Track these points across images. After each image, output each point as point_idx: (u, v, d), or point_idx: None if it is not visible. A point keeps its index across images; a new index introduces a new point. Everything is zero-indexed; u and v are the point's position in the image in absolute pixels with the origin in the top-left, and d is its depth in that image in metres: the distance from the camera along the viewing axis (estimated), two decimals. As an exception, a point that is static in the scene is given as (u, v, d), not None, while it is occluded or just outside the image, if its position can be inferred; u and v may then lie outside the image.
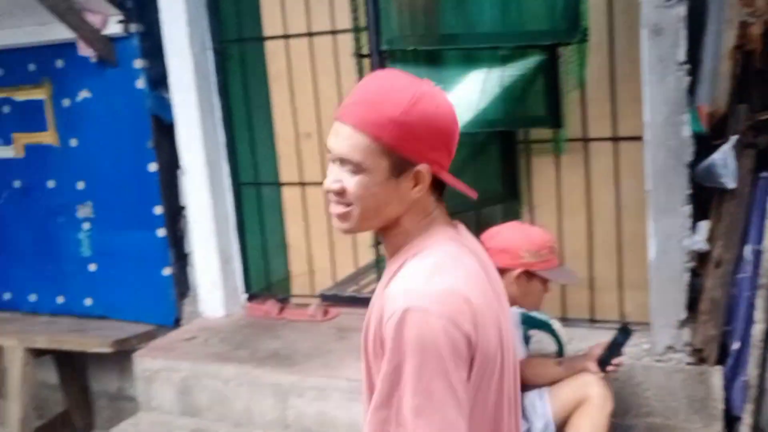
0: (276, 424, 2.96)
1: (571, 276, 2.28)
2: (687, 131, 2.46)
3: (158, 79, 3.55)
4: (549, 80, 2.54)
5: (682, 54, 2.41)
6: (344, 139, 1.11)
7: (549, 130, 2.76)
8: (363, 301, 2.98)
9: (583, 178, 2.81)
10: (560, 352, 2.59)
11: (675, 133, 2.47)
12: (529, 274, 2.19)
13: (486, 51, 2.66)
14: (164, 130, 3.63)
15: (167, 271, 3.78)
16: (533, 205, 2.90)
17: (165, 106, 3.56)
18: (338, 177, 1.13)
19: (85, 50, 3.54)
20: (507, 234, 2.21)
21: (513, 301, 2.24)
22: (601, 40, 2.67)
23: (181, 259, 3.80)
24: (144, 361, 3.43)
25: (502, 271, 2.19)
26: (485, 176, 2.86)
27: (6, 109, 3.94)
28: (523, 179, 2.86)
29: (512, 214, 2.90)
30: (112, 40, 3.51)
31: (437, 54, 2.71)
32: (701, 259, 2.62)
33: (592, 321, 2.91)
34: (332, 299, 3.45)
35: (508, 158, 2.84)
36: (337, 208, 1.15)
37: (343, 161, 1.12)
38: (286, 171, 3.63)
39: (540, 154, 2.84)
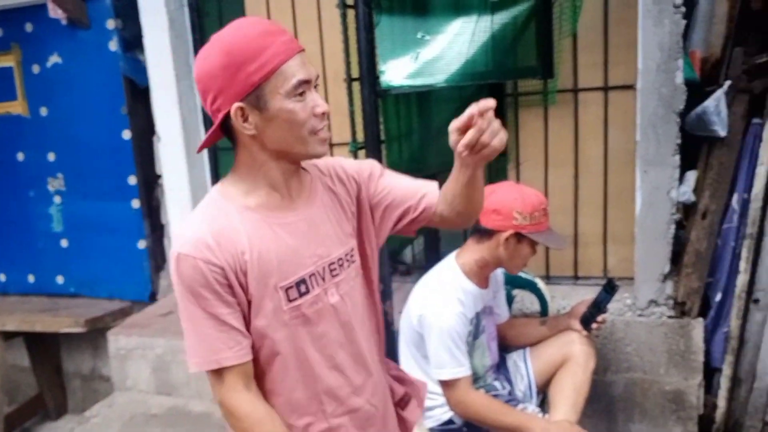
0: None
1: (560, 240, 2.22)
2: (680, 78, 2.41)
3: (132, 41, 3.45)
4: (541, 27, 2.46)
5: (681, -5, 2.36)
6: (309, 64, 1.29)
7: (538, 82, 2.70)
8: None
9: (572, 130, 2.75)
10: (544, 312, 2.56)
11: (668, 80, 2.42)
12: (518, 237, 2.12)
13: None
14: (139, 95, 3.53)
15: (142, 244, 3.69)
16: (520, 159, 2.83)
17: (139, 68, 3.46)
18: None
19: (55, 12, 3.42)
20: (501, 194, 2.14)
21: (498, 263, 2.18)
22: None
23: (157, 231, 3.70)
24: (118, 340, 3.34)
25: (491, 233, 2.13)
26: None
27: (-27, 79, 3.80)
28: (510, 133, 2.78)
29: (498, 170, 2.84)
30: (84, 0, 3.39)
31: (424, 1, 2.63)
32: (687, 210, 2.58)
33: (576, 278, 2.87)
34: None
35: (496, 112, 2.75)
36: (327, 132, 1.32)
37: (315, 85, 1.29)
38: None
39: (528, 106, 2.77)
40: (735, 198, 2.48)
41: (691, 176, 2.58)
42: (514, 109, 2.79)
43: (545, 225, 2.16)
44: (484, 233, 2.16)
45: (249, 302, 1.29)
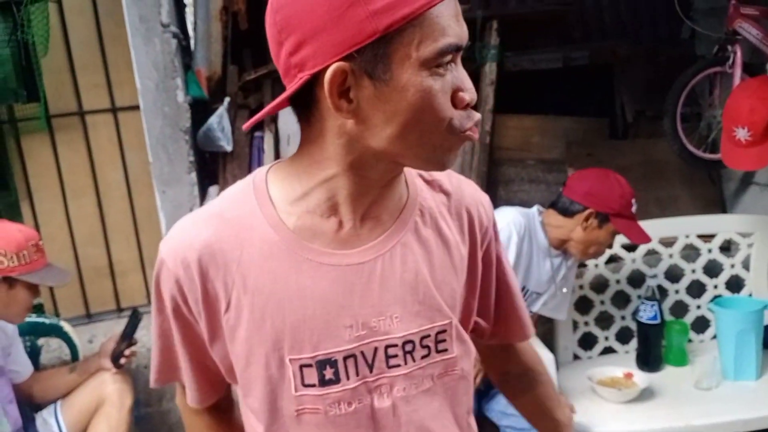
0: None
1: (60, 276, 2.05)
2: (181, 96, 2.45)
3: None
4: (14, 46, 2.25)
5: (166, 14, 2.38)
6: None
7: (38, 106, 2.47)
8: None
9: (86, 155, 2.58)
10: (75, 356, 2.36)
11: (169, 99, 2.44)
12: (9, 281, 1.89)
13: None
14: None
15: None
16: (32, 191, 2.56)
17: None
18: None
19: None
20: None
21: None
22: (84, 1, 2.48)
23: None
24: None
25: None
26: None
27: None
28: (15, 165, 2.50)
29: (8, 206, 2.52)
30: None
31: None
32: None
33: (120, 310, 2.72)
34: None
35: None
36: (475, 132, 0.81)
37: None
38: None
39: (30, 133, 2.51)
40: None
41: (213, 191, 2.66)
42: (14, 136, 2.50)
43: (42, 262, 1.96)
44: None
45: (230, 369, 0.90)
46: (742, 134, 2.41)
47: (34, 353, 2.35)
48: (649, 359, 2.48)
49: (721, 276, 2.72)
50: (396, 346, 0.84)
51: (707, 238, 2.71)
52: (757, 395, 2.28)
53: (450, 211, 0.91)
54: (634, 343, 2.60)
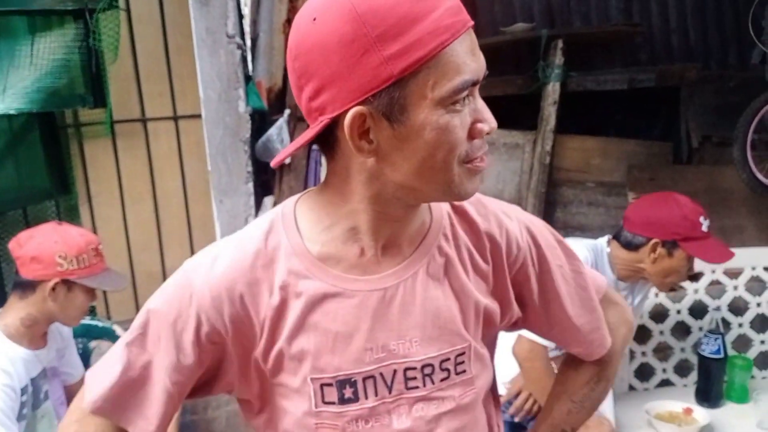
0: None
1: (118, 281, 2.09)
2: (243, 107, 2.51)
3: None
4: (84, 53, 2.34)
5: (231, 26, 2.45)
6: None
7: (102, 112, 2.56)
8: None
9: (146, 162, 2.67)
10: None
11: (231, 109, 2.50)
12: (68, 284, 1.94)
13: (14, 17, 2.34)
14: None
15: None
16: (92, 195, 2.65)
17: None
18: None
19: None
20: (40, 239, 1.92)
21: (50, 318, 1.97)
22: (152, 11, 2.58)
23: None
24: None
25: (34, 285, 1.91)
26: (27, 168, 2.51)
27: None
28: (77, 168, 2.60)
29: (68, 209, 2.61)
30: None
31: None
32: (268, 236, 2.71)
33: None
34: None
35: (55, 145, 2.55)
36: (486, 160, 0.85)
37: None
38: None
39: (94, 138, 2.61)
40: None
41: (269, 202, 2.71)
42: (77, 141, 2.60)
43: (100, 267, 2.02)
44: (26, 286, 1.92)
45: (262, 389, 0.92)
46: (816, 165, 2.36)
47: (85, 355, 2.41)
48: (710, 395, 2.41)
49: (789, 311, 2.64)
50: (415, 368, 0.89)
51: (775, 271, 2.64)
52: (824, 439, 2.20)
53: (473, 237, 0.94)
54: (692, 377, 2.54)
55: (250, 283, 0.86)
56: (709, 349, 2.40)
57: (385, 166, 0.80)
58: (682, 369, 2.63)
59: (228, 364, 0.90)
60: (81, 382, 2.21)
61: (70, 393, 2.18)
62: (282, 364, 0.88)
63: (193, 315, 0.86)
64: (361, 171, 0.82)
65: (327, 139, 0.83)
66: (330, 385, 0.87)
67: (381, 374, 0.88)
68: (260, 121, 2.67)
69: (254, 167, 2.61)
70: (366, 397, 0.88)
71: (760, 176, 2.77)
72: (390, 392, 0.89)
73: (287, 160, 2.58)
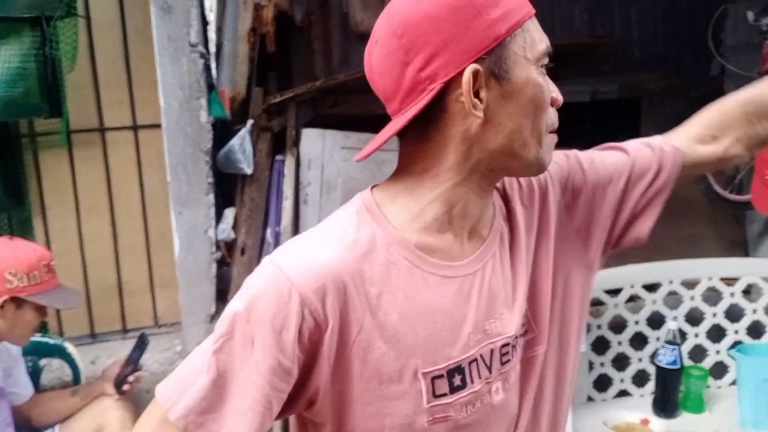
0: None
1: (71, 298, 2.10)
2: (205, 116, 2.54)
3: None
4: (41, 61, 2.33)
5: (194, 34, 2.48)
6: None
7: (59, 121, 2.55)
8: None
9: (103, 172, 2.67)
10: (77, 379, 2.41)
11: (193, 119, 2.53)
12: (18, 302, 1.94)
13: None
14: None
15: None
16: (46, 207, 2.64)
17: None
18: None
19: None
20: None
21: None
22: (112, 17, 2.58)
23: None
24: None
25: None
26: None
27: None
28: (31, 179, 2.59)
29: (20, 221, 2.59)
30: None
31: None
32: (230, 247, 2.73)
33: (125, 331, 2.79)
34: None
35: (8, 156, 2.53)
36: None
37: None
38: None
39: (49, 148, 2.59)
40: (269, 232, 2.70)
41: (230, 213, 2.73)
42: (32, 151, 2.59)
43: (52, 283, 2.03)
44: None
45: (340, 400, 0.89)
46: (773, 177, 2.47)
47: (35, 374, 2.38)
48: (667, 405, 2.52)
49: (743, 321, 2.76)
50: (508, 344, 0.96)
51: (730, 281, 2.76)
52: (776, 446, 2.31)
53: (525, 197, 1.02)
54: (650, 387, 2.64)
55: (353, 274, 0.86)
56: (665, 360, 2.50)
57: (489, 128, 0.87)
58: (639, 379, 2.73)
59: (319, 368, 0.87)
60: (31, 402, 2.22)
61: (18, 414, 2.17)
62: (382, 361, 0.88)
63: (295, 311, 0.83)
64: (464, 140, 0.88)
65: (425, 115, 0.87)
66: (441, 376, 0.90)
67: (481, 356, 0.93)
68: (222, 131, 2.70)
69: (215, 178, 2.63)
70: (472, 382, 0.92)
71: (716, 187, 2.88)
72: (490, 372, 0.94)
73: (248, 170, 2.61)
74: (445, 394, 0.90)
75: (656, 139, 1.12)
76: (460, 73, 0.84)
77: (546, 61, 0.89)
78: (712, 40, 3.20)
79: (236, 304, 0.86)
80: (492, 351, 0.94)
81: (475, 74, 0.84)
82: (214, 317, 2.65)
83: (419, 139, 0.90)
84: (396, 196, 0.92)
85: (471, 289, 0.93)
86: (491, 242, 0.96)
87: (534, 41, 0.87)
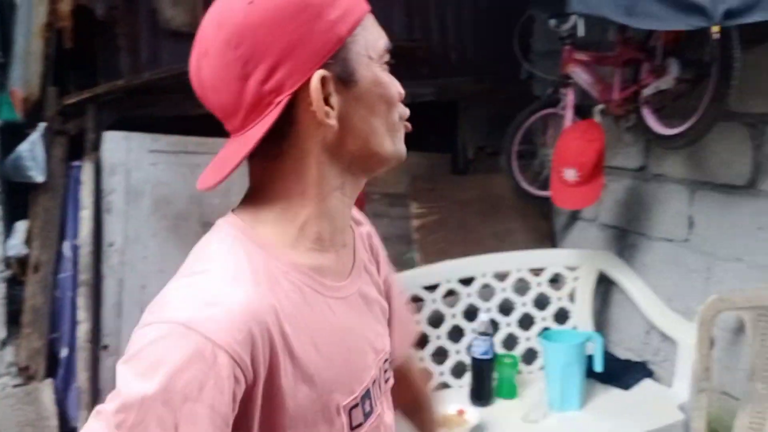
0: None
1: None
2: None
3: None
4: None
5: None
6: None
7: None
8: None
9: None
10: None
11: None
12: None
13: None
14: None
15: None
16: None
17: None
18: None
19: None
20: None
21: None
22: None
23: None
24: None
25: None
26: None
27: None
28: None
29: None
30: None
31: None
32: (23, 264, 2.53)
33: None
34: None
35: None
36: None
37: None
38: None
39: None
40: (66, 245, 2.53)
41: (21, 227, 2.52)
42: None
43: None
44: None
45: None
46: (570, 174, 2.63)
47: None
48: (482, 394, 2.62)
49: (549, 309, 2.94)
50: (387, 360, 0.97)
51: (538, 271, 2.93)
52: (580, 425, 2.47)
53: (366, 235, 1.03)
54: (467, 377, 2.74)
55: (269, 312, 0.76)
56: (479, 351, 2.60)
57: (345, 134, 0.83)
58: (458, 371, 2.82)
59: (248, 423, 0.77)
60: None
61: None
62: (306, 404, 0.80)
63: (225, 375, 0.71)
64: (323, 150, 0.83)
65: (278, 130, 0.81)
66: (356, 406, 0.86)
67: (378, 375, 0.92)
68: (11, 136, 2.49)
69: (2, 188, 2.42)
70: (376, 404, 0.91)
71: (523, 184, 3.05)
72: (381, 391, 0.93)
73: (40, 178, 2.42)
74: (360, 424, 0.88)
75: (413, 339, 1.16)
76: (307, 82, 0.79)
77: (387, 57, 0.88)
78: (520, 46, 3.39)
79: (140, 386, 0.69)
80: (380, 369, 0.93)
81: (323, 80, 0.80)
82: (6, 342, 2.43)
83: (271, 157, 0.84)
84: (266, 221, 0.85)
85: (359, 305, 0.92)
86: (358, 258, 0.95)
87: (375, 39, 0.86)
